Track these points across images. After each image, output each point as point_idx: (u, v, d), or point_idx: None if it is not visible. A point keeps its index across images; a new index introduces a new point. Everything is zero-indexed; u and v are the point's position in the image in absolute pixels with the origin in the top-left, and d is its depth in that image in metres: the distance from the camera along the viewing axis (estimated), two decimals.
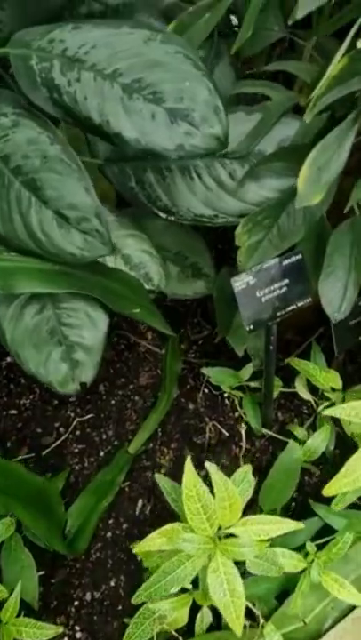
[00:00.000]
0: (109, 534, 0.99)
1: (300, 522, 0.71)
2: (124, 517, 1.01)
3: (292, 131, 0.79)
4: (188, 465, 0.65)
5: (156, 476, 0.76)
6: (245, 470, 0.75)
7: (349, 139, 0.64)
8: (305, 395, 1.05)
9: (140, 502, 1.02)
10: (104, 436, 1.10)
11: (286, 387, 1.07)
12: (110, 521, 1.00)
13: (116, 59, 0.63)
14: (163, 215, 0.82)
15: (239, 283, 0.81)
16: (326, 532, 0.88)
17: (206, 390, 1.14)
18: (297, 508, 0.99)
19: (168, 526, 0.69)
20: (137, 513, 1.01)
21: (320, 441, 0.96)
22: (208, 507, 0.65)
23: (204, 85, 0.61)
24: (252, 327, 0.83)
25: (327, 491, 0.67)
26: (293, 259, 0.82)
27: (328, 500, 0.84)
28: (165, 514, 0.99)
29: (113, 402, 1.14)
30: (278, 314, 0.85)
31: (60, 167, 0.66)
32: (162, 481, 0.76)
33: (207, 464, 0.65)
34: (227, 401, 1.13)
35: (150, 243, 0.86)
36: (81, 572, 0.95)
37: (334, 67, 0.59)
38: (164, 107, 0.62)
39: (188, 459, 0.65)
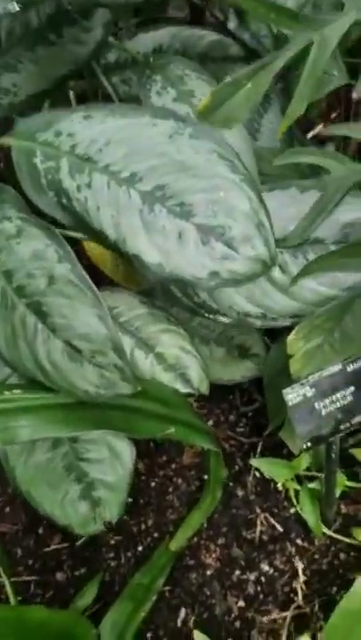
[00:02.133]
0: None
1: None
2: (165, 630, 0.89)
3: (358, 213, 0.64)
4: None
5: (195, 633, 0.64)
6: None
7: None
8: None
9: (182, 611, 0.91)
10: (143, 527, 0.99)
11: (354, 480, 0.93)
12: (149, 634, 0.89)
13: (135, 159, 0.50)
14: (201, 313, 0.69)
15: (293, 395, 0.67)
16: None
17: (257, 474, 1.01)
18: None
19: None
20: (179, 624, 0.90)
21: None
22: None
23: (243, 195, 0.47)
24: (309, 444, 0.70)
25: None
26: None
27: None
28: (212, 626, 0.88)
29: (153, 484, 1.03)
30: (342, 427, 0.71)
31: (68, 290, 0.54)
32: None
33: None
34: (281, 488, 0.99)
35: (189, 339, 0.73)
36: None
37: None
38: (193, 222, 0.48)
39: None
